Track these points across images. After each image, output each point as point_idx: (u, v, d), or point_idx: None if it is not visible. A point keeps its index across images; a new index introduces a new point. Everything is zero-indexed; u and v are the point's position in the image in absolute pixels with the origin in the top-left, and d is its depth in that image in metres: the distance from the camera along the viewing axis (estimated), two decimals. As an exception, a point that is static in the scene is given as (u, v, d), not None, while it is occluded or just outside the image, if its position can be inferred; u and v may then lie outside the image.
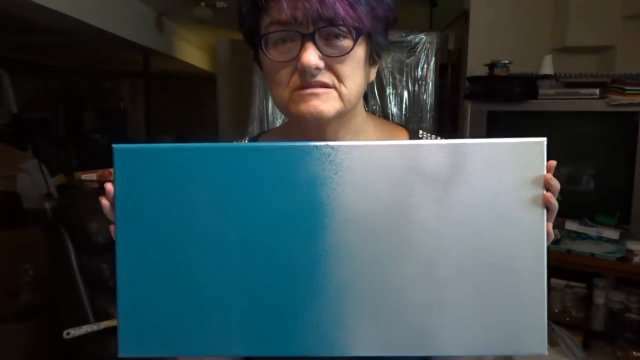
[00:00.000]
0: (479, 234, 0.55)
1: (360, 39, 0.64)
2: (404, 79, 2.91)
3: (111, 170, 1.94)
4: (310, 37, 0.61)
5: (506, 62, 2.45)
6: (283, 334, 0.55)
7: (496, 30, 2.84)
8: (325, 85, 0.64)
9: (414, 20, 3.89)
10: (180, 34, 5.53)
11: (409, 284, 0.54)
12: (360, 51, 0.65)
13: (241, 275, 0.54)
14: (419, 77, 2.91)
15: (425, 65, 2.90)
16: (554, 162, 0.62)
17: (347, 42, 0.63)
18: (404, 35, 2.87)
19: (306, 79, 0.63)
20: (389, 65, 2.90)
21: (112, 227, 0.58)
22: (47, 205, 2.86)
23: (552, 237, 0.60)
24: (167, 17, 4.84)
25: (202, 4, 4.00)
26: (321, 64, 0.62)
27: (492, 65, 2.49)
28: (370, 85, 2.91)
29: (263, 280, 0.54)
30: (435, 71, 2.92)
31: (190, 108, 8.51)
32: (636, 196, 2.08)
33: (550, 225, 0.60)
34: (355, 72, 0.65)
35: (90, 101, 7.42)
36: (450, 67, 3.27)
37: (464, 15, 3.03)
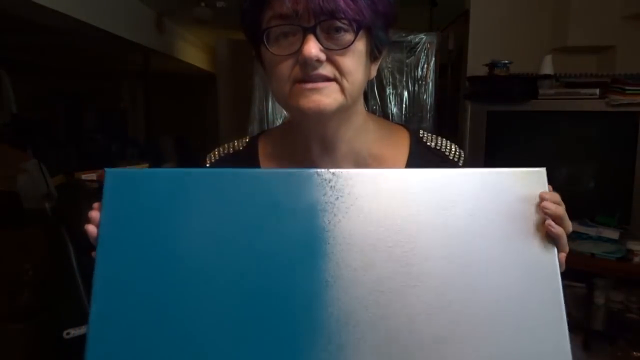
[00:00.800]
0: (487, 265, 0.51)
1: (361, 33, 0.64)
2: (404, 79, 2.91)
3: (111, 170, 1.90)
4: (312, 31, 0.61)
5: (506, 62, 2.45)
6: None
7: (496, 30, 2.84)
8: (326, 79, 0.63)
9: (414, 20, 3.89)
10: (180, 34, 5.53)
11: (417, 316, 0.50)
12: (361, 45, 0.65)
13: (232, 311, 0.49)
14: (419, 77, 2.91)
15: (425, 65, 2.90)
16: (547, 191, 0.59)
17: (348, 36, 0.63)
18: (404, 35, 2.87)
19: (308, 72, 0.62)
20: (389, 65, 2.90)
21: (94, 254, 0.55)
22: (47, 205, 2.86)
23: (563, 267, 0.56)
24: (167, 17, 4.83)
25: (202, 4, 4.00)
26: (323, 56, 0.62)
27: (492, 65, 2.49)
28: (370, 85, 2.91)
29: (256, 316, 0.49)
30: (435, 71, 2.92)
31: (190, 108, 8.50)
32: (636, 196, 2.08)
33: (563, 255, 0.57)
34: (356, 66, 0.65)
35: (90, 101, 7.42)
36: (450, 67, 3.27)
37: (464, 15, 3.03)
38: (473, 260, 0.51)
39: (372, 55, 0.69)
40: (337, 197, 0.51)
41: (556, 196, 0.59)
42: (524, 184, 0.56)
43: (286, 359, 0.49)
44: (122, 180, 0.51)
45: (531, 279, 0.51)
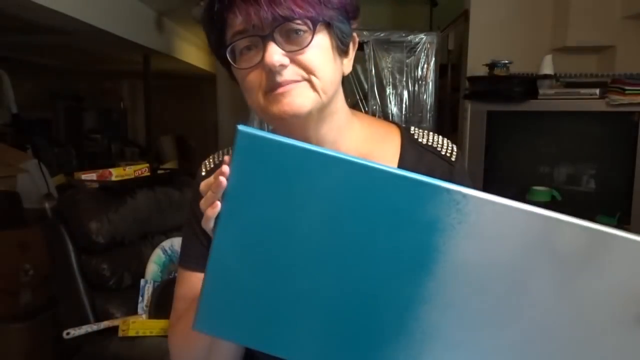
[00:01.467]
0: (593, 336, 0.50)
1: (320, 29, 0.65)
2: (404, 79, 2.91)
3: (111, 170, 1.95)
4: (270, 38, 0.62)
5: (506, 62, 2.45)
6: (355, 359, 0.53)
7: (496, 30, 2.84)
8: (295, 81, 0.64)
9: (414, 20, 3.89)
10: (180, 34, 5.53)
11: (502, 352, 0.50)
12: (322, 41, 0.66)
13: (331, 292, 0.52)
14: (419, 77, 2.91)
15: (425, 65, 2.90)
16: None
17: (307, 36, 0.64)
18: (404, 35, 2.87)
19: (275, 80, 0.63)
20: (389, 65, 2.90)
21: (212, 208, 0.55)
22: (47, 205, 2.86)
23: None
24: (167, 17, 4.83)
25: (202, 3, 3.99)
26: (285, 60, 0.63)
27: (492, 65, 2.49)
28: (370, 85, 2.92)
29: (352, 302, 0.51)
30: (435, 71, 2.92)
31: (190, 108, 8.50)
32: (636, 196, 2.08)
33: None
34: (322, 61, 0.65)
35: (90, 101, 7.41)
36: (450, 67, 3.27)
37: (464, 15, 3.03)
38: (580, 326, 0.50)
39: (339, 49, 0.69)
40: (460, 222, 0.48)
41: None
42: None
43: (366, 345, 0.52)
44: (253, 142, 0.50)
45: None
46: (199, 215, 0.74)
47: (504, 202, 0.48)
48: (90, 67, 6.57)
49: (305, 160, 0.49)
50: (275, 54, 0.62)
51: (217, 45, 0.69)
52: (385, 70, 2.90)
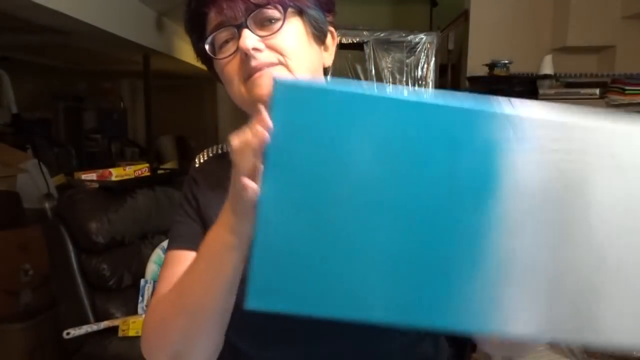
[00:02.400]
0: None
1: (292, 14, 0.66)
2: (404, 79, 2.91)
3: (111, 170, 1.95)
4: (243, 25, 0.64)
5: (506, 62, 2.45)
6: (430, 304, 0.50)
7: (496, 30, 2.84)
8: (271, 64, 0.65)
9: (414, 20, 3.89)
10: (180, 34, 5.52)
11: (576, 267, 0.50)
12: (296, 27, 0.67)
13: (395, 238, 0.49)
14: (419, 77, 2.91)
15: (425, 65, 2.90)
16: None
17: (280, 23, 0.65)
18: (404, 35, 2.87)
19: (251, 65, 0.64)
20: (389, 65, 2.90)
21: (255, 165, 0.50)
22: (47, 205, 2.86)
23: None
24: (167, 17, 4.83)
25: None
26: (260, 45, 0.64)
27: (492, 65, 2.49)
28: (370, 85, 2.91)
29: (418, 244, 0.49)
30: (435, 71, 2.92)
31: (190, 108, 8.51)
32: (636, 196, 2.08)
33: None
34: (297, 44, 0.66)
35: (90, 101, 7.41)
36: (450, 67, 3.27)
37: (464, 15, 3.03)
38: None
39: (315, 36, 0.70)
40: (519, 142, 0.48)
41: None
42: None
43: (438, 285, 0.49)
44: (292, 92, 0.48)
45: None
46: (190, 198, 0.75)
47: (562, 119, 0.49)
48: (90, 67, 6.57)
49: (351, 104, 0.47)
50: (248, 38, 0.63)
51: (198, 42, 0.70)
52: (385, 70, 2.90)
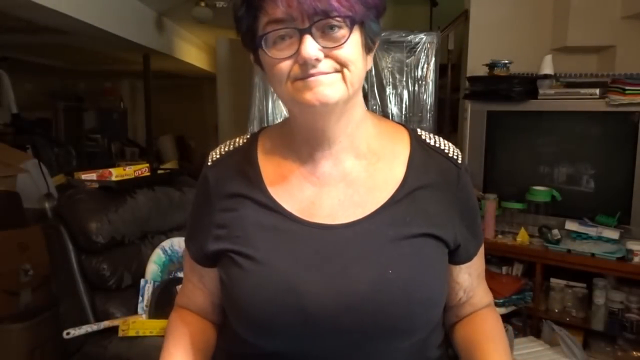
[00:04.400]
0: None
1: (354, 27, 0.65)
2: (404, 79, 2.91)
3: (111, 170, 1.94)
4: (308, 32, 0.63)
5: (506, 62, 2.45)
6: None
7: (496, 30, 2.84)
8: (327, 73, 0.65)
9: (414, 20, 3.89)
10: (180, 34, 5.52)
11: None
12: (356, 38, 0.67)
13: None
14: (419, 77, 2.91)
15: (425, 65, 2.90)
16: None
17: (342, 32, 0.65)
18: (404, 35, 2.87)
19: (308, 71, 0.64)
20: (389, 65, 2.90)
21: None
22: (47, 205, 2.86)
23: None
24: (167, 17, 4.83)
25: (202, 4, 3.99)
26: (321, 54, 0.64)
27: (492, 65, 2.49)
28: (370, 85, 2.91)
29: None
30: (435, 71, 2.92)
31: (190, 108, 8.50)
32: (636, 196, 2.08)
33: None
34: (355, 55, 0.67)
35: (90, 101, 7.41)
36: (450, 67, 3.27)
37: (464, 15, 3.03)
38: None
39: (367, 46, 0.71)
40: None
41: None
42: None
43: None
44: None
45: None
46: (203, 203, 0.79)
47: None
48: (90, 67, 6.57)
49: None
50: (312, 48, 0.63)
51: (248, 30, 0.69)
52: (385, 70, 2.90)
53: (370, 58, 0.73)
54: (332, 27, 0.64)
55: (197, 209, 0.80)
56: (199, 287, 0.83)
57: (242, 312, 0.71)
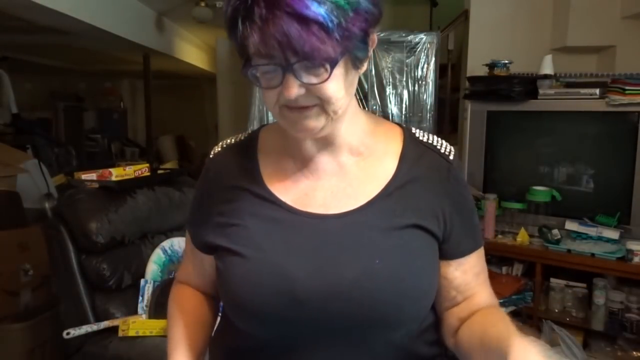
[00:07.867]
0: None
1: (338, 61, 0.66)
2: (404, 79, 2.91)
3: (111, 170, 1.94)
4: (289, 70, 0.64)
5: (506, 62, 2.45)
6: None
7: (496, 30, 2.84)
8: (308, 107, 0.68)
9: (414, 20, 3.89)
10: (180, 34, 5.53)
11: None
12: (339, 72, 0.67)
13: None
14: (419, 77, 2.91)
15: (425, 65, 2.90)
16: None
17: (323, 71, 0.65)
18: (404, 35, 2.87)
19: (290, 103, 0.68)
20: (389, 65, 2.90)
21: None
22: (47, 205, 2.86)
23: None
24: (167, 17, 4.84)
25: (202, 4, 4.00)
26: (302, 91, 0.66)
27: (492, 65, 2.49)
28: (370, 85, 2.91)
29: None
30: (435, 71, 2.92)
31: (190, 108, 8.51)
32: (636, 196, 2.08)
33: None
34: (337, 90, 0.68)
35: (90, 101, 7.41)
36: (450, 67, 3.27)
37: (464, 15, 3.03)
38: None
39: (355, 65, 0.70)
40: None
41: None
42: None
43: None
44: None
45: None
46: (204, 193, 0.84)
47: None
48: (90, 67, 6.57)
49: None
50: (293, 88, 0.65)
51: (241, 51, 0.69)
52: (385, 70, 2.90)
53: (362, 68, 0.72)
54: (314, 64, 0.64)
55: (199, 198, 0.85)
56: (198, 267, 0.88)
57: (235, 297, 0.74)
